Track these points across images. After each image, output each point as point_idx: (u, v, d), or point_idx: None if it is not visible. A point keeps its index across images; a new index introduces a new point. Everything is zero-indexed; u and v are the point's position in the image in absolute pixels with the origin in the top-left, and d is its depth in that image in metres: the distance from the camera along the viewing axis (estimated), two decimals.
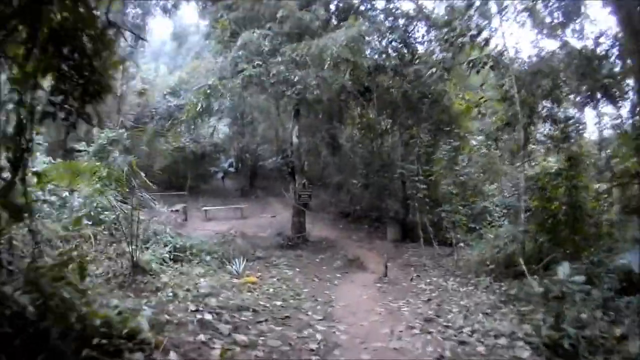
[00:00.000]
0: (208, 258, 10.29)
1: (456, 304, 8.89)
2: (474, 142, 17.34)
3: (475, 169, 14.54)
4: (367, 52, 18.18)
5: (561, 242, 10.96)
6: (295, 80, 12.24)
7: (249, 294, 8.16)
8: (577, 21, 12.26)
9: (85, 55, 4.35)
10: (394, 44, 18.22)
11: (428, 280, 11.12)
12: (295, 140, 16.01)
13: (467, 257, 12.50)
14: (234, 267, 9.92)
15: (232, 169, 27.92)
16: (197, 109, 13.68)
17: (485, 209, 14.43)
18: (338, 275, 11.32)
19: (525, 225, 11.19)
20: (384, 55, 18.50)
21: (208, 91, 13.46)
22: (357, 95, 19.53)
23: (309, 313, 7.36)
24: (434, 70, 13.78)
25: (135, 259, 8.60)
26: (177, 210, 18.96)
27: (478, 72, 11.91)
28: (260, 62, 12.41)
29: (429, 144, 15.56)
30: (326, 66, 12.07)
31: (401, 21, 17.40)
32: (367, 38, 16.76)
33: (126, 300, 6.85)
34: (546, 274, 9.64)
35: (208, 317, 5.97)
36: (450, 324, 7.12)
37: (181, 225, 18.19)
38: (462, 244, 13.54)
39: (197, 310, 6.18)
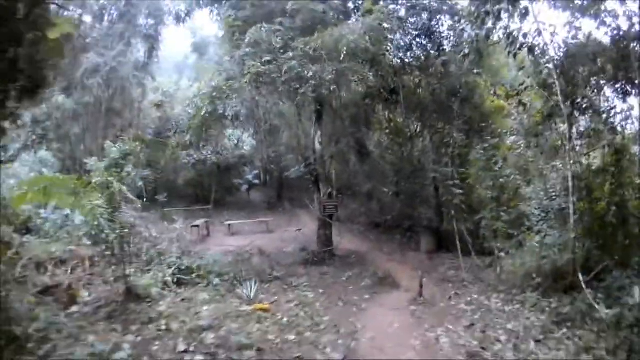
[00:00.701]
0: (217, 281, 9.26)
1: (503, 329, 7.64)
2: (510, 141, 15.95)
3: (514, 169, 13.00)
4: (391, 49, 17.15)
5: (611, 248, 9.54)
6: (309, 75, 11.02)
7: (258, 325, 7.04)
8: None
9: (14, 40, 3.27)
10: (418, 40, 16.97)
11: (468, 299, 9.77)
12: (317, 146, 14.86)
13: (510, 268, 11.06)
14: (245, 291, 8.76)
15: (257, 181, 26.97)
16: (203, 113, 12.58)
17: (523, 213, 12.95)
18: (366, 296, 10.05)
19: (575, 231, 9.71)
20: (408, 53, 17.36)
21: (213, 94, 12.39)
22: (383, 97, 18.47)
23: (327, 350, 6.18)
24: (466, 51, 12.35)
25: (129, 284, 7.58)
26: (197, 226, 18.13)
27: (515, 55, 10.44)
28: (270, 59, 11.29)
29: (463, 144, 14.04)
30: (342, 57, 10.86)
31: (424, 15, 16.09)
32: (390, 36, 15.71)
33: (109, 335, 5.90)
34: (600, 286, 8.69)
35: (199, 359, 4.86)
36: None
37: (201, 241, 17.42)
38: (502, 254, 12.09)
39: (186, 351, 5.08)
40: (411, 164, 19.32)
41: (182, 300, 8.10)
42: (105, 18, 21.79)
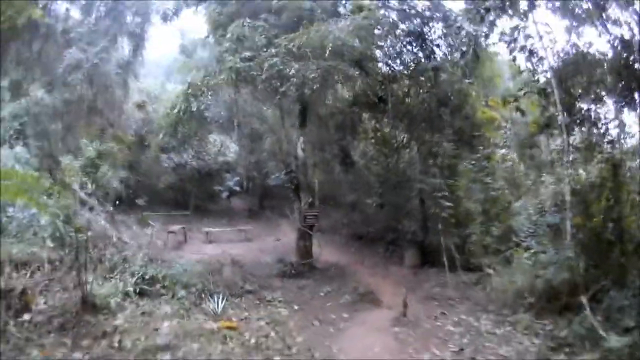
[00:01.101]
0: (183, 293, 8.42)
1: (494, 354, 6.97)
2: (502, 153, 15.48)
3: (505, 182, 12.45)
4: (380, 56, 16.64)
5: (607, 267, 9.00)
6: (291, 73, 10.32)
7: (222, 346, 6.30)
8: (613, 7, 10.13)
9: None
10: (408, 47, 16.42)
11: (456, 319, 9.14)
12: (300, 153, 14.11)
13: (500, 286, 10.46)
14: (211, 305, 7.98)
15: (237, 188, 26.10)
16: (175, 111, 11.78)
17: (510, 228, 12.41)
18: (345, 314, 9.32)
19: (570, 248, 9.17)
20: (398, 60, 16.82)
21: (188, 91, 11.63)
22: (370, 105, 17.93)
23: None
24: (463, 49, 11.77)
25: (86, 293, 6.80)
26: (173, 232, 17.29)
27: (514, 58, 9.91)
28: (251, 55, 10.59)
29: (452, 154, 13.43)
30: (327, 53, 10.20)
31: (416, 21, 15.56)
32: (379, 42, 15.21)
33: (56, 350, 5.16)
34: (598, 308, 8.06)
35: None
36: None
37: (176, 248, 16.61)
38: (491, 270, 11.52)
39: None
40: (397, 175, 18.82)
41: (142, 313, 7.31)
42: (93, 14, 21.03)
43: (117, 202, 22.53)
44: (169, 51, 35.23)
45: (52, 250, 8.48)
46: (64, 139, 18.16)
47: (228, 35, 11.04)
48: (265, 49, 10.88)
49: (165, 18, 20.76)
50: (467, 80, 14.38)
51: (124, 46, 22.01)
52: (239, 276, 10.36)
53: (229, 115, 16.41)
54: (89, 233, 9.60)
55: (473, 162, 9.85)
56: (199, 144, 25.16)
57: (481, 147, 14.29)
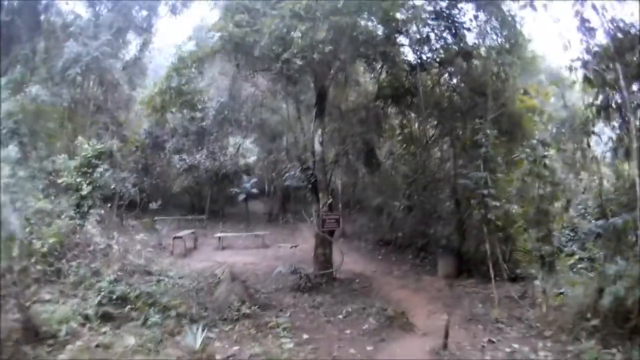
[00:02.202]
0: (157, 318, 6.61)
1: None
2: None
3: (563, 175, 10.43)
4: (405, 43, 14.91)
5: None
6: (297, 36, 8.48)
7: None
8: None
9: None
10: (436, 31, 14.59)
11: (508, 349, 7.28)
12: (318, 147, 12.28)
13: (553, 303, 8.55)
14: (189, 337, 6.16)
15: (255, 190, 24.52)
16: (156, 90, 10.02)
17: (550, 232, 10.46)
18: (369, 347, 7.29)
19: None
20: (425, 47, 14.98)
21: (173, 63, 9.88)
22: (396, 98, 16.19)
23: None
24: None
25: (27, 317, 5.20)
26: (180, 237, 15.80)
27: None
28: (248, 19, 8.86)
29: (497, 143, 11.31)
30: (341, 3, 8.36)
31: (444, 3, 13.85)
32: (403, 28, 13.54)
33: None
34: None
35: None
36: None
37: (183, 256, 15.22)
38: (539, 282, 9.57)
39: None
40: (427, 174, 17.06)
41: (97, 346, 5.64)
42: (97, 7, 19.97)
43: (129, 206, 21.80)
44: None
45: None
46: (60, 137, 16.91)
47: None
48: (262, 14, 9.15)
49: (174, 11, 19.52)
50: (504, 61, 12.55)
51: (131, 40, 20.82)
52: (240, 293, 8.35)
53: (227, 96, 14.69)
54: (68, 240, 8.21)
55: (527, 150, 7.67)
56: (213, 144, 23.85)
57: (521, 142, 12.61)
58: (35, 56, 17.96)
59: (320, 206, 12.07)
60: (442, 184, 16.68)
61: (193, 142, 24.17)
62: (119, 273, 7.61)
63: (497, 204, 8.67)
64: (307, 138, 13.71)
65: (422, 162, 17.76)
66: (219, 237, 17.88)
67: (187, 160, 22.27)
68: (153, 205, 21.58)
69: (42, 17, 18.76)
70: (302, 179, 12.33)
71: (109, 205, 20.33)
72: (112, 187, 13.49)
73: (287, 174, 16.60)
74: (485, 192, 7.88)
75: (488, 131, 8.20)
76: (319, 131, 11.90)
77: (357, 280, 12.07)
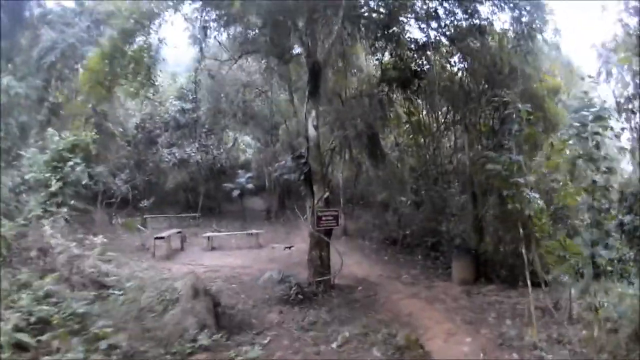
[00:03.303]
0: (79, 351, 4.79)
1: None
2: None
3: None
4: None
5: None
6: None
7: None
8: None
9: None
10: (445, 4, 13.18)
11: None
12: (312, 131, 10.32)
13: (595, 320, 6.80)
14: None
15: (250, 186, 22.84)
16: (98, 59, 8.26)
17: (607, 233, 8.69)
18: None
19: None
20: (433, 23, 13.35)
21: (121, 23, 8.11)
22: (402, 82, 14.59)
23: None
24: None
25: None
26: (161, 238, 14.23)
27: None
28: None
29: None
30: None
31: None
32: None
33: None
34: None
35: None
36: None
37: (167, 258, 13.67)
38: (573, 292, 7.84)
39: None
40: (437, 166, 15.42)
41: None
42: None
43: (121, 204, 20.38)
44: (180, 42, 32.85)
45: None
46: (30, 130, 15.52)
47: None
48: None
49: None
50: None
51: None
52: (202, 314, 6.29)
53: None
54: None
55: (577, 124, 5.79)
56: (207, 137, 22.32)
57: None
58: (14, 48, 16.77)
59: (315, 201, 10.30)
60: (455, 175, 15.06)
61: (185, 135, 22.67)
62: (54, 286, 5.89)
63: (537, 195, 6.89)
64: (298, 122, 12.00)
65: (432, 153, 16.19)
66: (208, 237, 16.23)
67: (177, 154, 20.63)
68: (144, 203, 20.20)
69: (27, 12, 17.81)
70: (293, 168, 10.48)
71: (99, 202, 19.13)
72: (86, 182, 11.92)
73: (276, 164, 14.91)
74: (521, 180, 6.15)
75: (519, 105, 6.46)
76: (313, 113, 10.04)
77: (359, 288, 10.34)
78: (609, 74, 14.18)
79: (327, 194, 10.38)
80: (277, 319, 7.63)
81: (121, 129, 19.79)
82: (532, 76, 12.38)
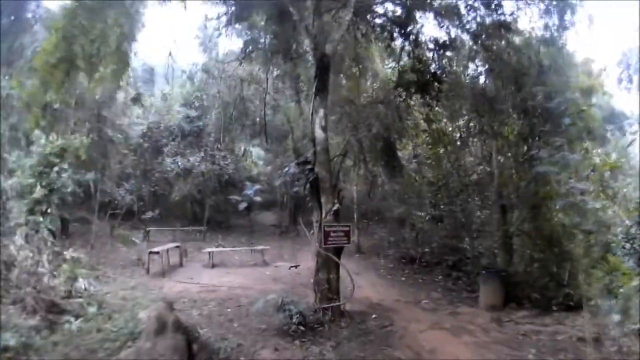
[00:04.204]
0: None
1: None
2: None
3: None
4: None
5: None
6: None
7: None
8: None
9: None
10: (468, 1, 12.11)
11: None
12: (319, 133, 8.94)
13: None
14: None
15: (258, 198, 21.65)
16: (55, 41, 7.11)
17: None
18: None
19: None
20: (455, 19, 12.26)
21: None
22: (420, 86, 13.38)
23: None
24: None
25: None
26: (156, 252, 13.09)
27: None
28: None
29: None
30: None
31: None
32: None
33: None
34: None
35: None
36: None
37: (163, 274, 12.57)
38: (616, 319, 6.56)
39: None
40: (459, 177, 14.12)
41: None
42: None
43: (127, 215, 19.44)
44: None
45: None
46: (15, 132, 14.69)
47: None
48: None
49: None
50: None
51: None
52: (168, 355, 4.73)
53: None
54: None
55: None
56: (213, 146, 21.27)
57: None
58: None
59: (323, 214, 8.97)
60: (479, 187, 13.73)
61: (190, 144, 21.66)
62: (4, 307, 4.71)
63: (597, 204, 5.50)
64: (305, 124, 10.75)
65: (453, 163, 14.88)
66: (209, 253, 15.00)
67: (180, 164, 19.55)
68: (148, 215, 19.14)
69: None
70: (298, 174, 9.12)
71: (99, 212, 18.18)
72: (72, 189, 10.90)
73: (279, 171, 13.67)
74: (577, 187, 4.83)
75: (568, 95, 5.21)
76: (321, 112, 8.74)
77: (373, 316, 8.93)
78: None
79: (336, 206, 9.00)
80: (270, 358, 6.25)
81: (120, 135, 18.73)
82: (565, 73, 11.14)
